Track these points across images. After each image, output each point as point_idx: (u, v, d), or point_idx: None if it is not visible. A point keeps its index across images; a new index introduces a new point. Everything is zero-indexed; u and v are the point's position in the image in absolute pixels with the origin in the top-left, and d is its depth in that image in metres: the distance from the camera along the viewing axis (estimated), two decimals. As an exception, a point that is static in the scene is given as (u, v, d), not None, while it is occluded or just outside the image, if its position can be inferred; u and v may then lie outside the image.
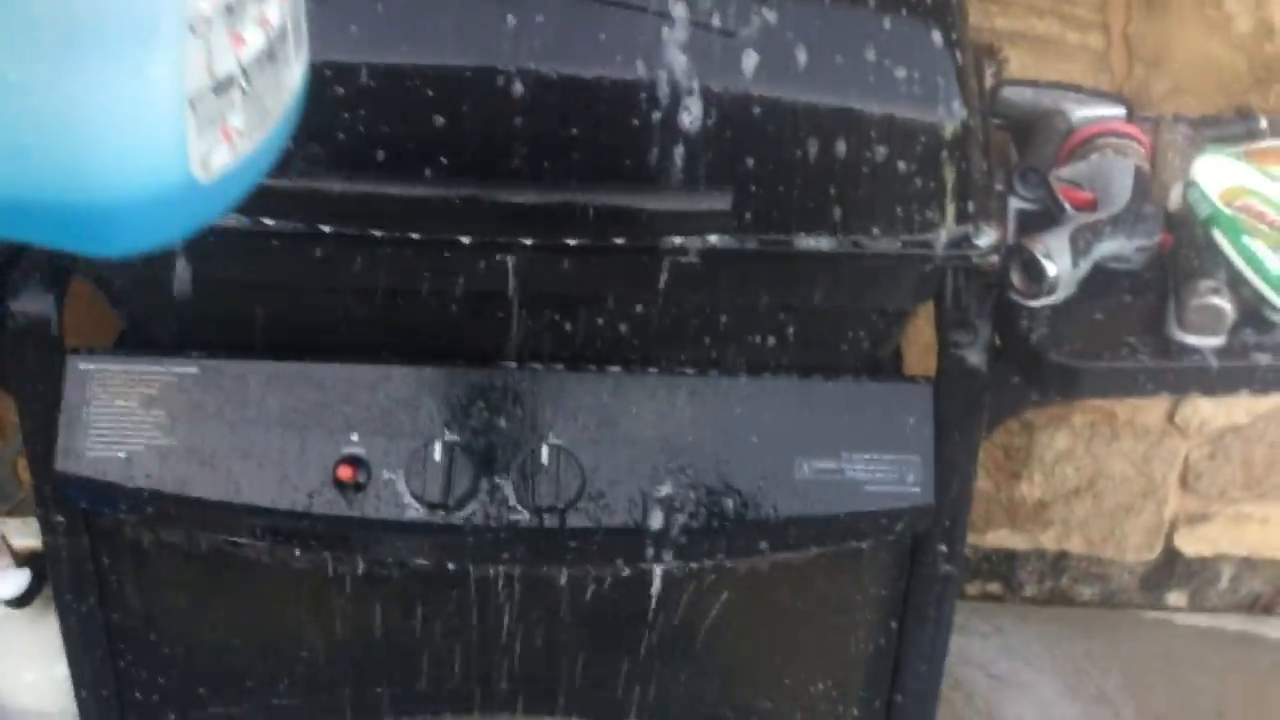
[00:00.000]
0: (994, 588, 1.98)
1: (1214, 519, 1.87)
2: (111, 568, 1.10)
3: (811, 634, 1.13)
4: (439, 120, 0.84)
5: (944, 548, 1.05)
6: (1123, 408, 1.75)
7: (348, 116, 0.84)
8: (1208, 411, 1.75)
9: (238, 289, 0.98)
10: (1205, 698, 1.83)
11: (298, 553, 1.08)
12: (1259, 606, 1.98)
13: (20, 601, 1.27)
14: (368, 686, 1.18)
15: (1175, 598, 1.98)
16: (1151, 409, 1.75)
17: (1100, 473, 1.81)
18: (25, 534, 1.24)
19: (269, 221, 0.86)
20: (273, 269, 0.93)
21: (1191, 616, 1.98)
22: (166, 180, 0.51)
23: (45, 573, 1.14)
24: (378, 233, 0.85)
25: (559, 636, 1.12)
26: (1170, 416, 1.76)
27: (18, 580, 1.25)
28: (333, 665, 1.16)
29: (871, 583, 1.09)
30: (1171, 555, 1.91)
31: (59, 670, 1.16)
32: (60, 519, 1.05)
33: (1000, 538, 1.90)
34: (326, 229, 0.85)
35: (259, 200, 0.82)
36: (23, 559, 1.26)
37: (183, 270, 0.92)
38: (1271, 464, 1.79)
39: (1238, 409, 1.75)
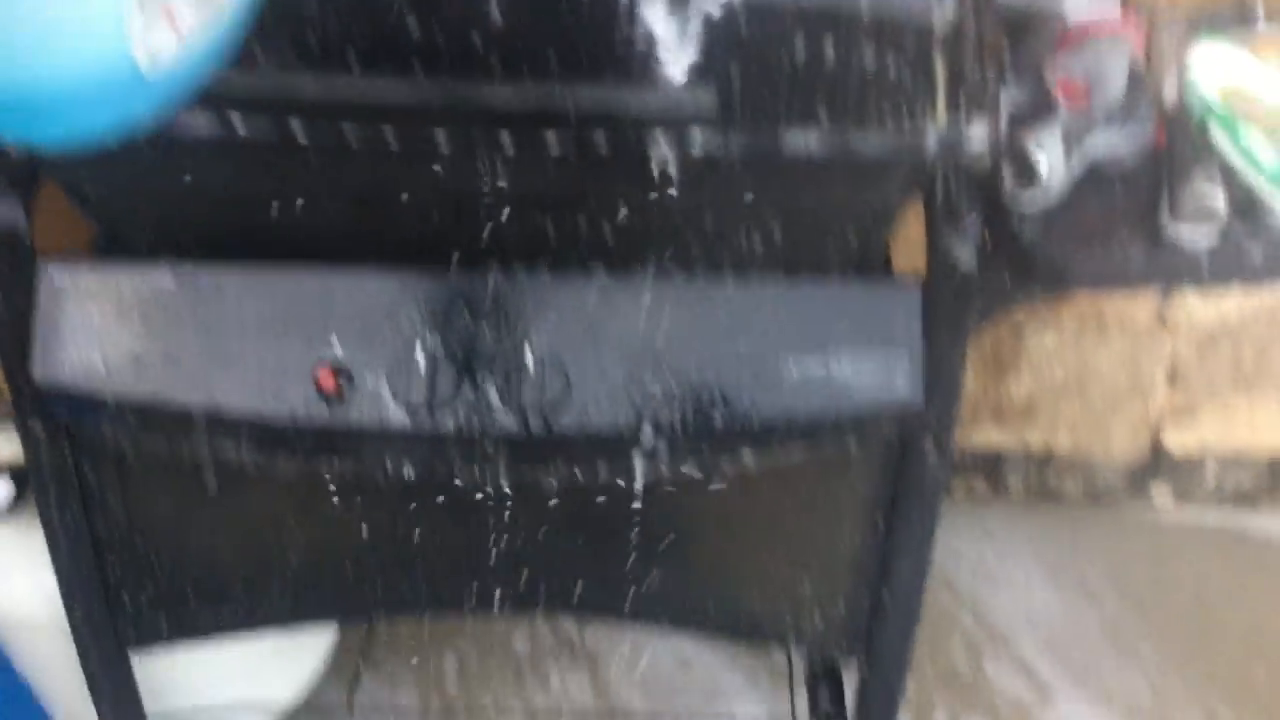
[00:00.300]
0: (980, 486, 2.00)
1: (1201, 415, 1.87)
2: (94, 477, 1.09)
3: (800, 534, 1.14)
4: (414, 17, 0.81)
5: (932, 447, 1.05)
6: (1111, 305, 1.74)
7: (319, 12, 0.81)
8: (1197, 308, 1.74)
9: (211, 193, 0.95)
10: (1187, 589, 1.85)
11: (281, 460, 1.08)
12: (1243, 501, 2.00)
13: (5, 511, 1.26)
14: (356, 588, 1.18)
15: (1160, 493, 1.99)
16: (1140, 306, 1.75)
17: (1088, 371, 1.81)
18: (7, 443, 1.23)
19: (239, 123, 0.83)
20: (245, 172, 0.91)
21: (1176, 512, 2.00)
22: (109, 69, 0.49)
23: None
24: (353, 134, 0.82)
25: (547, 538, 1.12)
26: (1159, 314, 1.76)
27: (1, 490, 1.25)
28: (320, 568, 1.17)
29: (859, 483, 1.09)
30: (1158, 452, 1.93)
31: (48, 579, 1.16)
32: (39, 429, 1.04)
33: (987, 436, 1.91)
34: (299, 128, 0.82)
35: (228, 101, 0.80)
36: (5, 468, 1.25)
37: (154, 172, 0.90)
38: (1259, 360, 1.80)
39: (1227, 305, 1.74)
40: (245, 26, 0.57)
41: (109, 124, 0.52)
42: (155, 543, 1.14)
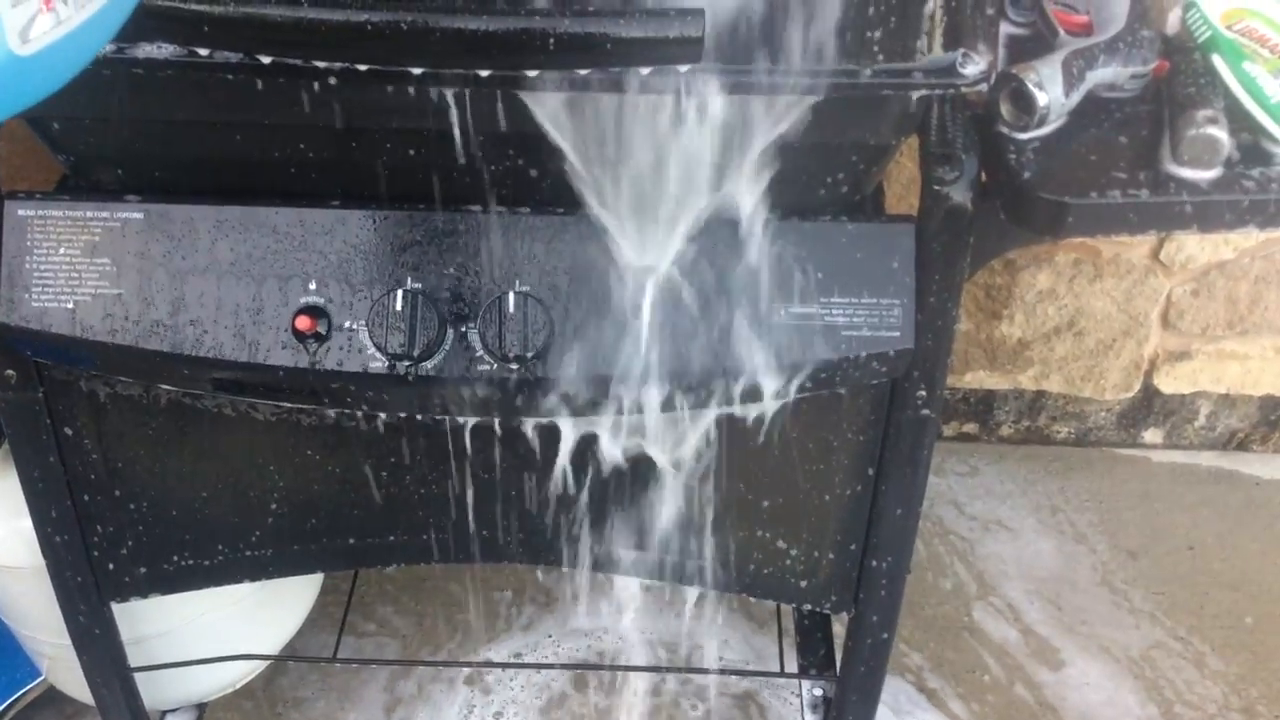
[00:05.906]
0: (970, 428, 1.98)
1: (1194, 356, 1.86)
2: (69, 422, 1.07)
3: (788, 479, 1.12)
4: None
5: (923, 392, 1.03)
6: (1107, 245, 1.73)
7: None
8: (1193, 248, 1.72)
9: (181, 128, 0.92)
10: (1178, 533, 1.85)
11: (258, 406, 1.05)
12: (1234, 443, 1.99)
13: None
14: (339, 537, 1.16)
15: (1151, 435, 1.99)
16: (1136, 246, 1.73)
17: (1081, 311, 1.79)
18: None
19: (203, 52, 0.79)
20: (214, 105, 0.88)
21: (1167, 454, 1.99)
22: None
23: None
24: (322, 64, 0.79)
25: (531, 486, 1.11)
26: (1155, 253, 1.74)
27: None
28: (303, 516, 1.15)
29: (849, 427, 1.07)
30: (1150, 393, 1.91)
31: (26, 524, 1.14)
32: (10, 372, 1.02)
33: (978, 378, 1.90)
34: (266, 60, 0.79)
35: (194, 30, 0.77)
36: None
37: (122, 108, 0.87)
38: (1255, 300, 1.78)
39: (1224, 245, 1.72)
40: None
41: None
42: (134, 492, 1.12)
